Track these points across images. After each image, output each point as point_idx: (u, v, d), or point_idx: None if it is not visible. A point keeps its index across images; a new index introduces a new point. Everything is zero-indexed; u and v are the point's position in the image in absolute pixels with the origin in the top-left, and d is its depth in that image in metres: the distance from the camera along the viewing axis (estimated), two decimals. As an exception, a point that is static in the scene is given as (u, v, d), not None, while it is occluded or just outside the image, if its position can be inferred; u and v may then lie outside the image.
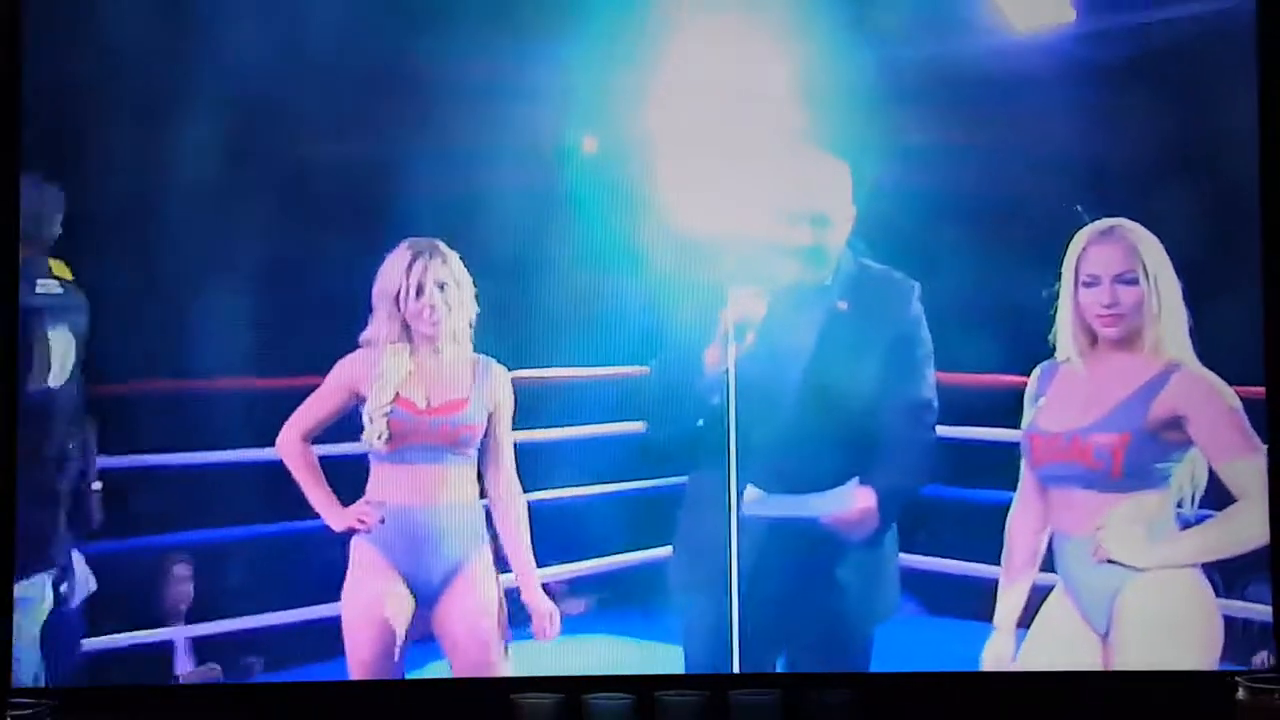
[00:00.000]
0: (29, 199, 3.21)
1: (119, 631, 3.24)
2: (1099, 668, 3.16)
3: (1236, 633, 3.16)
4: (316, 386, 3.24)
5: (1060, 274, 3.18)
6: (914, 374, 3.25)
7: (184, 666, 3.30)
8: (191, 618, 3.30)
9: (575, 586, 3.37)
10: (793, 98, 3.26)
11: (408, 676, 3.23)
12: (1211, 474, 3.13)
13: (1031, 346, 3.22)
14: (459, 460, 3.24)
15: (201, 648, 3.30)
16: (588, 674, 3.20)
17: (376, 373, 3.21)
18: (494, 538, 3.27)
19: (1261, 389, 3.17)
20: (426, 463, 3.22)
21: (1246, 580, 3.19)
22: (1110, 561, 3.13)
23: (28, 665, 3.14)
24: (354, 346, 3.25)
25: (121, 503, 3.24)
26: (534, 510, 3.29)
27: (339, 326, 3.24)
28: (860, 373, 3.24)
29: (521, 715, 3.12)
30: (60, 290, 3.20)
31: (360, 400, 3.23)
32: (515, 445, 3.28)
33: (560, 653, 3.27)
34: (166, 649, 3.29)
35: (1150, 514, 3.14)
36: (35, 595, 3.15)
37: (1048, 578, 3.21)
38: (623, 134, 3.29)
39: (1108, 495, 3.14)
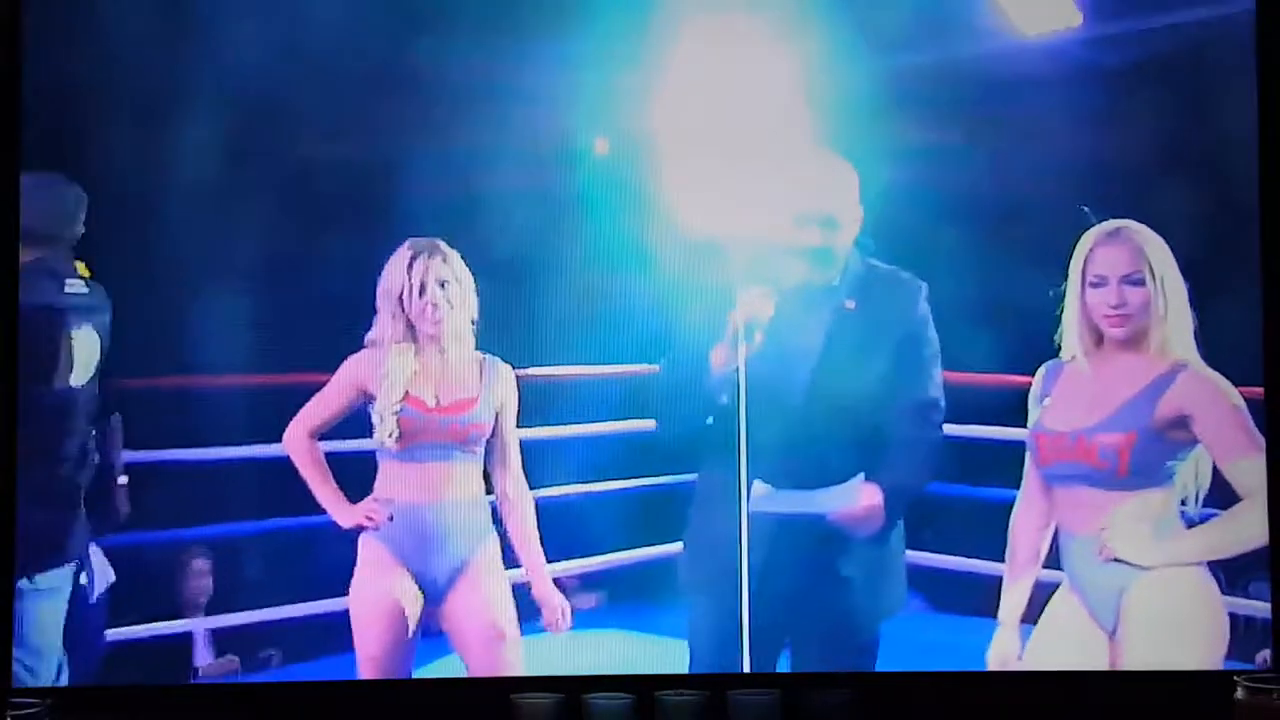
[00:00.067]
0: (54, 199, 3.22)
1: (138, 624, 3.27)
2: (1107, 666, 3.17)
3: (1240, 630, 3.17)
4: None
5: (1067, 274, 3.19)
6: (921, 373, 3.27)
7: (203, 659, 3.33)
8: (211, 611, 3.33)
9: (586, 582, 3.39)
10: (801, 100, 3.27)
11: (414, 674, 3.24)
12: (1216, 473, 3.14)
13: (1037, 346, 3.24)
14: (466, 458, 3.26)
15: (220, 640, 3.32)
16: (587, 674, 3.20)
17: (383, 372, 3.23)
18: (501, 534, 3.28)
19: (1260, 390, 3.18)
20: (435, 460, 3.24)
21: (1249, 578, 3.20)
22: (1117, 560, 3.14)
23: (50, 655, 3.16)
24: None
25: (140, 498, 3.27)
26: (545, 507, 3.30)
27: (356, 323, 3.26)
28: (868, 372, 3.26)
29: (521, 715, 3.12)
30: (86, 290, 3.23)
31: (369, 398, 3.25)
32: (528, 442, 3.30)
33: (570, 648, 3.29)
34: (186, 641, 3.32)
35: (1156, 512, 3.15)
36: (60, 585, 3.19)
37: (1052, 575, 3.22)
38: (632, 135, 3.30)
39: (1114, 494, 3.15)
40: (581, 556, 3.36)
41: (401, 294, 3.23)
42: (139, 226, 3.26)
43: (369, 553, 3.25)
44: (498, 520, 3.29)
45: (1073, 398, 3.21)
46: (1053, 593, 3.23)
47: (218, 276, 3.27)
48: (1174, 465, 3.15)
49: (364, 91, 3.29)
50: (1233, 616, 3.16)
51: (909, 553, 3.32)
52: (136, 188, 3.27)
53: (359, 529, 3.25)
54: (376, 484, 3.26)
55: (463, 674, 3.25)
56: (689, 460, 3.32)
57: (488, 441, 3.28)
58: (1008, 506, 3.26)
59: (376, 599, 3.23)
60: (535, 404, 3.30)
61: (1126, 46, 3.30)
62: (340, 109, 3.30)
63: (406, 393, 3.23)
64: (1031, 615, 3.22)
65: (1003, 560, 3.25)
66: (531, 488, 3.30)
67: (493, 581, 3.27)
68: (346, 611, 3.24)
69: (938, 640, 3.34)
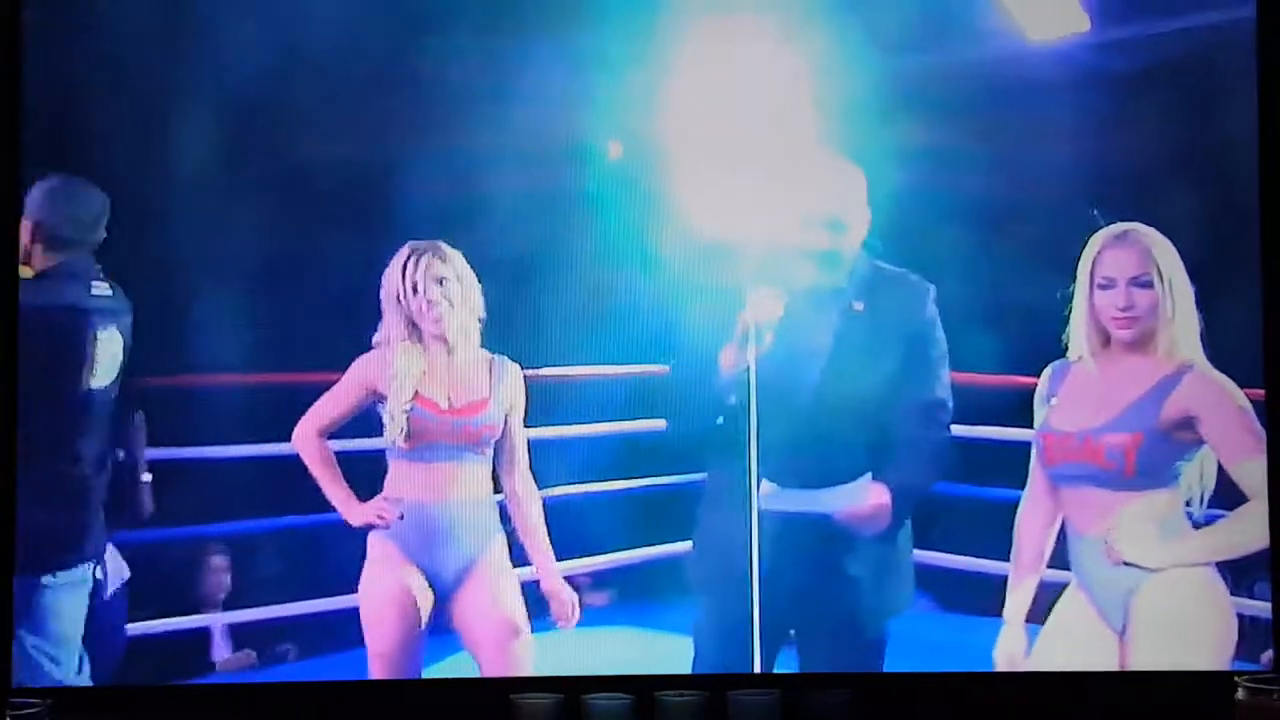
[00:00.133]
0: (79, 203, 3.23)
1: (156, 619, 3.30)
2: (1116, 666, 3.17)
3: (1246, 631, 3.17)
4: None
5: (1074, 276, 3.20)
6: (929, 374, 3.29)
7: (221, 653, 3.38)
8: (228, 607, 3.37)
9: (596, 579, 3.42)
10: (809, 102, 3.28)
11: (423, 672, 3.26)
12: (1223, 474, 3.14)
13: (1044, 348, 3.24)
14: (476, 458, 3.28)
15: (238, 636, 3.37)
16: (587, 674, 3.20)
17: (391, 372, 3.25)
18: (509, 532, 3.30)
19: (1261, 391, 3.18)
20: (444, 460, 3.25)
21: (1254, 579, 3.20)
22: (1125, 564, 3.15)
23: (72, 647, 3.19)
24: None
25: (160, 495, 3.30)
26: (555, 506, 3.32)
27: (364, 323, 3.28)
28: (876, 373, 3.28)
29: (520, 715, 3.12)
30: (110, 292, 3.26)
31: (378, 398, 3.26)
32: (537, 442, 3.32)
33: (579, 645, 3.31)
34: (204, 637, 3.36)
35: (1162, 512, 3.15)
36: (84, 579, 3.22)
37: (1059, 574, 3.23)
38: (639, 137, 3.31)
39: (1120, 494, 3.16)
40: (591, 555, 3.38)
41: (398, 294, 3.25)
42: (139, 226, 3.27)
43: (378, 551, 3.26)
44: (505, 519, 3.31)
45: (1079, 398, 3.22)
46: (1060, 592, 3.23)
47: (222, 276, 3.29)
48: (1180, 466, 3.16)
49: (366, 93, 3.30)
50: (1239, 617, 3.16)
51: (916, 552, 3.33)
52: (137, 188, 3.28)
53: (369, 527, 3.27)
54: (386, 483, 3.27)
55: (472, 672, 3.26)
56: (698, 460, 3.34)
57: (496, 442, 3.30)
58: (1014, 506, 3.27)
59: (386, 597, 3.25)
60: (544, 404, 3.31)
61: (1134, 52, 3.31)
62: (346, 112, 3.31)
63: (417, 393, 3.24)
64: (1037, 615, 3.23)
65: (1008, 559, 3.26)
66: (541, 487, 3.32)
67: (501, 579, 3.28)
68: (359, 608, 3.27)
69: (945, 639, 3.35)
